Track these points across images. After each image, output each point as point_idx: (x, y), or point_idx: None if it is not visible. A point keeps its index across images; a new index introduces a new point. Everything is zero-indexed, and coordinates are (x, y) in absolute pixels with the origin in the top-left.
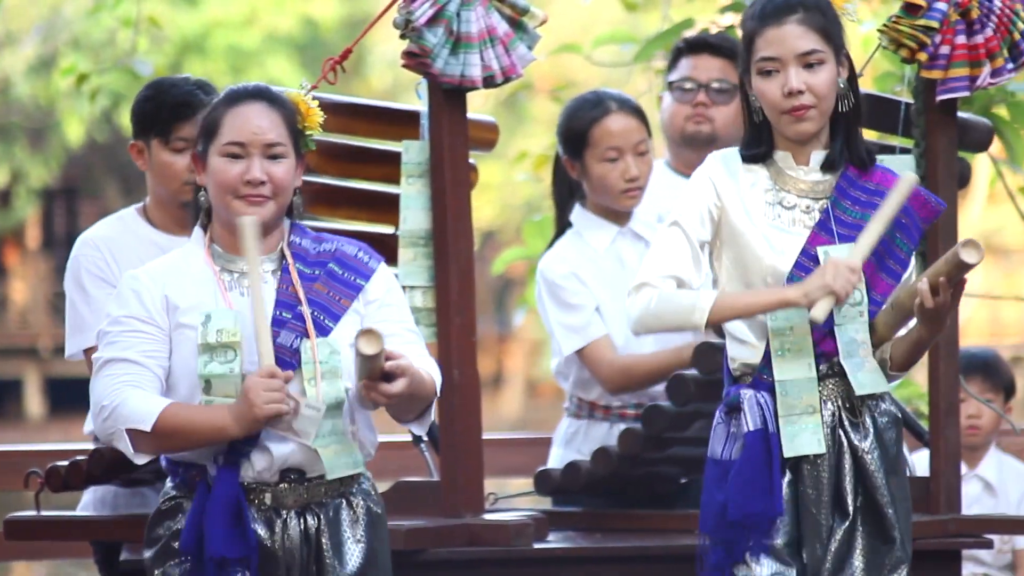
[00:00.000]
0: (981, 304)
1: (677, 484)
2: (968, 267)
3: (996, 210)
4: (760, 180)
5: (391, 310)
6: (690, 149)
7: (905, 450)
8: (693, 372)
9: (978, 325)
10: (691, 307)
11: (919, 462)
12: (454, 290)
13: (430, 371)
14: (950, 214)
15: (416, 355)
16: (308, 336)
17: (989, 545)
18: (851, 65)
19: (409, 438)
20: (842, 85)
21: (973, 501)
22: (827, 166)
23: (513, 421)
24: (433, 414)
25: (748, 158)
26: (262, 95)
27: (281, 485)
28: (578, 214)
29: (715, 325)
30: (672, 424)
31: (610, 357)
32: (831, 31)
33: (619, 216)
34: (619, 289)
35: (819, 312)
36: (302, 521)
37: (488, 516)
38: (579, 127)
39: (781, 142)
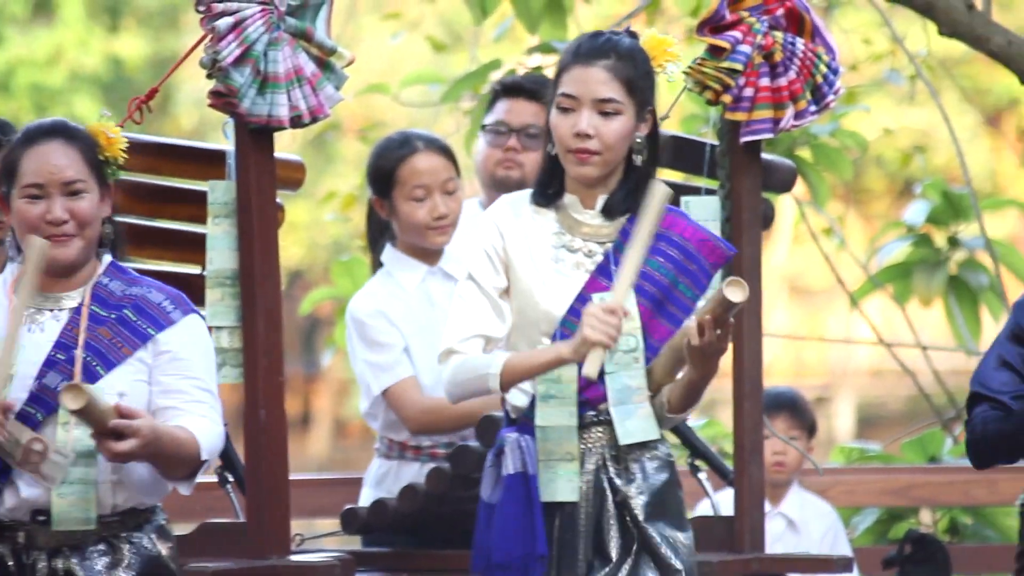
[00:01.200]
0: (785, 344)
1: None
2: (733, 306)
3: (800, 251)
4: (548, 223)
5: (183, 364)
6: (501, 193)
7: (710, 489)
8: (502, 413)
9: (782, 365)
10: (485, 375)
11: (724, 501)
12: (261, 330)
13: (198, 434)
14: (754, 256)
15: (195, 415)
16: (72, 380)
17: None
18: (655, 122)
19: (215, 479)
20: (639, 140)
21: (777, 539)
22: (607, 211)
23: (321, 461)
24: (239, 461)
25: (538, 201)
26: (58, 132)
27: (33, 525)
28: (388, 253)
29: (510, 386)
30: (480, 464)
31: (415, 398)
32: (637, 84)
33: (429, 255)
34: (429, 328)
35: (590, 367)
36: (52, 563)
37: (294, 557)
38: (386, 166)
39: (570, 184)
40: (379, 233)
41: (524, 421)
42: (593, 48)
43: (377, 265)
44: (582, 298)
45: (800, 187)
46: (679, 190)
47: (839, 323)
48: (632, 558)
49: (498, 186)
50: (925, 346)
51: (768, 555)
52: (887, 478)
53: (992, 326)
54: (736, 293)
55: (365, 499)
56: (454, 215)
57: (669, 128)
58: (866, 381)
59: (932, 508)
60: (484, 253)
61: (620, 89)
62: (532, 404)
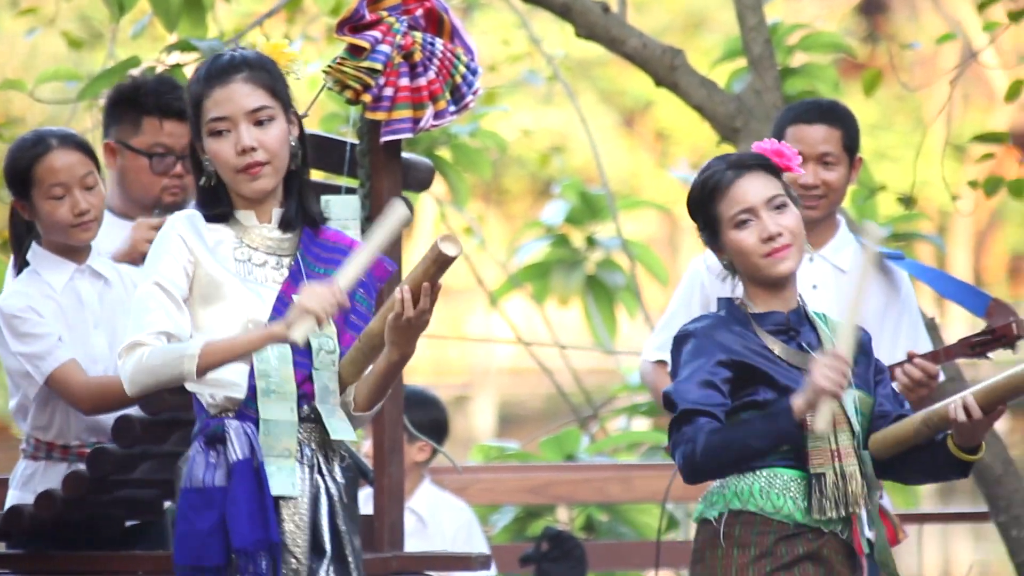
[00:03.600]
0: (426, 344)
1: (123, 526)
2: (449, 260)
3: None
4: (226, 238)
5: None
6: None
7: None
8: (140, 414)
9: (424, 365)
10: (180, 357)
11: (363, 500)
12: None
13: None
14: (395, 254)
15: None
16: None
17: None
18: (300, 123)
19: None
20: (294, 143)
21: (407, 535)
22: (284, 225)
23: None
24: None
25: (210, 217)
26: None
27: None
28: (35, 252)
29: (207, 370)
30: (118, 466)
31: (83, 379)
32: (277, 88)
33: (76, 253)
34: (78, 327)
35: (297, 334)
36: None
37: None
38: (22, 167)
39: (240, 202)
40: (24, 234)
41: (243, 411)
42: (223, 67)
43: (23, 265)
44: (283, 299)
45: (441, 187)
46: (320, 189)
47: (479, 322)
48: (333, 564)
49: (166, 210)
50: (563, 345)
51: (407, 553)
52: (525, 476)
53: (628, 325)
54: (451, 248)
55: (12, 501)
56: (96, 210)
57: (309, 127)
58: (506, 380)
59: (569, 505)
60: (170, 260)
61: (266, 95)
62: (249, 398)
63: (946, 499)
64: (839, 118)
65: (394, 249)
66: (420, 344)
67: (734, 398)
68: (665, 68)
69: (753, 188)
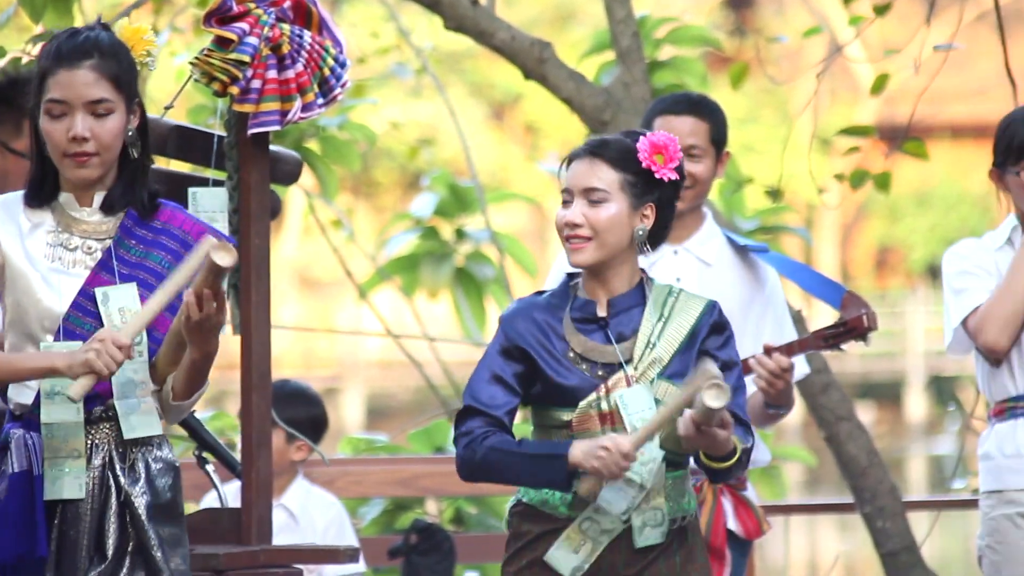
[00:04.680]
0: (294, 336)
1: None
2: (222, 270)
3: (310, 243)
4: (44, 222)
5: None
6: None
7: (218, 481)
8: (1, 404)
9: (292, 357)
10: None
11: (231, 493)
12: None
13: None
14: (263, 247)
15: None
16: None
17: (299, 574)
18: (143, 113)
19: None
20: (131, 134)
21: (278, 530)
22: (107, 208)
23: None
24: None
25: (31, 203)
26: None
27: None
28: None
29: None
30: None
31: None
32: (124, 79)
33: None
34: None
35: (75, 390)
36: None
37: None
38: None
39: (66, 183)
40: None
41: (30, 417)
42: (75, 49)
43: None
44: (85, 293)
45: (309, 179)
46: (186, 181)
47: (349, 315)
48: (128, 558)
49: None
50: (432, 337)
51: (275, 547)
52: (394, 468)
53: (497, 317)
54: (223, 257)
55: None
56: None
57: (176, 119)
58: (375, 372)
59: (438, 498)
60: None
61: (109, 87)
62: (37, 400)
63: (812, 490)
64: (708, 111)
65: (261, 239)
66: (289, 337)
67: (527, 388)
68: (534, 61)
69: (576, 172)
